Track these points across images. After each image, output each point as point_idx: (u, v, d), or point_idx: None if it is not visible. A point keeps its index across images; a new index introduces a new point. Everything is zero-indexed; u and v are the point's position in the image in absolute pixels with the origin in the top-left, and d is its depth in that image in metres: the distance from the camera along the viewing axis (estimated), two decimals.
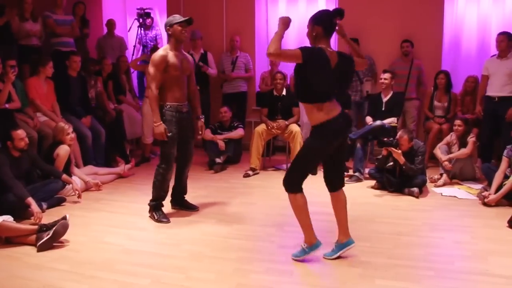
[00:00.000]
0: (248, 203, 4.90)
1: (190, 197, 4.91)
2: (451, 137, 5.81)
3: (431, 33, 6.96)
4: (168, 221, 4.28)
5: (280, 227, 4.15)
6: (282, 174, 6.03)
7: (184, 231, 4.06)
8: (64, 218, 3.71)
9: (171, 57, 4.18)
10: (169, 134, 4.18)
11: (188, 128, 4.39)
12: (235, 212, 4.59)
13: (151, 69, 4.15)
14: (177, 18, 4.23)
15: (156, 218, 4.31)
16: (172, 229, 4.10)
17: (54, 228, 3.60)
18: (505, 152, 4.94)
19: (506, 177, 4.82)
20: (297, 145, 5.99)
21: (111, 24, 7.63)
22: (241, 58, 7.44)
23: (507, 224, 4.06)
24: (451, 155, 5.60)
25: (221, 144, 6.40)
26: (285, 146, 6.60)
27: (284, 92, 6.43)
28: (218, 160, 6.24)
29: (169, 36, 4.30)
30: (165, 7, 8.12)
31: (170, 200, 4.69)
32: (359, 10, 7.12)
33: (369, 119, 6.03)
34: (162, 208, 4.43)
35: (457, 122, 5.71)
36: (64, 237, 3.71)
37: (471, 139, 5.62)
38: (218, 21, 7.79)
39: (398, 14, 7.02)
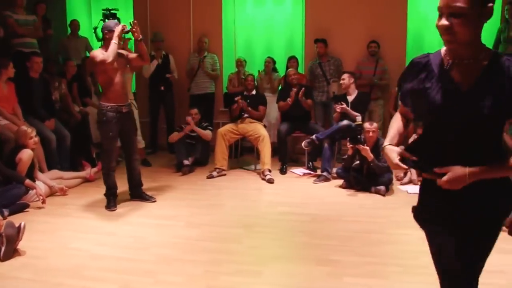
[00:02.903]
0: (217, 204, 4.88)
1: (158, 199, 4.91)
2: (415, 136, 5.94)
3: (395, 35, 7.09)
4: (114, 209, 4.63)
5: (249, 228, 4.14)
6: (250, 175, 6.14)
7: (152, 234, 4.01)
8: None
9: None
10: (109, 134, 4.53)
11: (128, 125, 4.72)
12: (204, 214, 4.56)
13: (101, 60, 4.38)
14: (117, 24, 4.56)
15: (105, 205, 4.69)
16: (140, 233, 4.04)
17: (3, 234, 3.46)
18: None
19: None
20: (265, 149, 5.99)
21: (74, 25, 7.49)
22: (208, 58, 7.42)
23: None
24: None
25: (189, 128, 6.37)
26: (253, 147, 6.61)
27: (253, 92, 6.46)
28: (186, 162, 6.20)
29: (105, 39, 4.58)
30: (131, 8, 8.01)
31: (129, 193, 4.99)
32: (326, 12, 7.21)
33: (338, 107, 6.09)
34: (113, 198, 4.75)
35: (419, 131, 5.84)
36: (27, 244, 3.60)
37: None
38: (185, 22, 7.74)
39: (364, 16, 7.12)
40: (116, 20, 4.80)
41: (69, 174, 5.62)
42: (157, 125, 7.49)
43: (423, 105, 1.76)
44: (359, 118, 5.36)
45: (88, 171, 5.80)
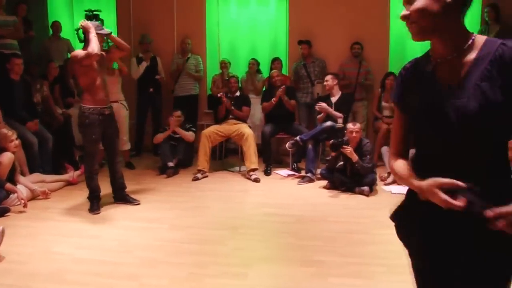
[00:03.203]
0: (201, 206, 4.86)
1: (142, 202, 4.88)
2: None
3: (378, 36, 7.14)
4: (97, 212, 4.58)
5: (234, 229, 4.14)
6: (234, 177, 6.13)
7: (136, 237, 3.98)
8: None
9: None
10: (92, 137, 4.50)
11: (111, 127, 4.68)
12: (188, 216, 4.54)
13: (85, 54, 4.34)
14: (99, 28, 4.60)
15: (88, 208, 4.63)
16: (123, 236, 4.00)
17: None
18: None
19: None
20: (250, 147, 6.00)
21: (56, 26, 7.41)
22: (192, 59, 7.40)
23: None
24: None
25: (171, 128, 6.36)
26: (238, 149, 6.60)
27: (237, 93, 6.45)
28: (170, 164, 6.16)
29: (86, 41, 4.50)
30: (114, 9, 7.95)
31: (113, 196, 4.93)
32: (310, 13, 7.24)
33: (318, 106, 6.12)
34: (97, 201, 4.69)
35: None
36: (8, 249, 3.55)
37: None
38: (169, 23, 7.70)
39: (347, 18, 7.17)
40: (98, 22, 4.73)
41: (52, 177, 5.55)
42: (144, 127, 7.44)
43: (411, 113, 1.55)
44: (340, 121, 5.39)
45: (71, 174, 5.74)
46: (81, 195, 5.11)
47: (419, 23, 1.41)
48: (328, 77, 6.18)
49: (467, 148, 1.39)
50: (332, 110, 5.91)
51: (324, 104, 5.97)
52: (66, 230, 4.15)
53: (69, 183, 5.65)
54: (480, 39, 1.43)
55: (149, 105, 7.36)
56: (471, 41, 1.42)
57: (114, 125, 4.75)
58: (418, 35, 1.44)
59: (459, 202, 1.32)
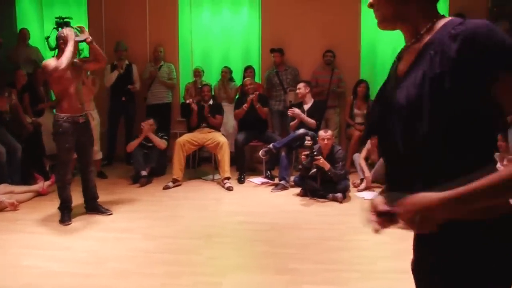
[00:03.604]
0: (175, 215, 4.82)
1: (114, 212, 4.82)
2: (369, 145, 6.08)
3: (349, 44, 7.25)
4: (68, 223, 4.48)
5: (208, 238, 4.12)
6: (208, 185, 6.11)
7: (108, 248, 3.91)
8: None
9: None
10: (66, 145, 4.42)
11: (85, 136, 4.62)
12: (162, 225, 4.50)
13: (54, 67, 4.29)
14: (74, 35, 4.52)
15: (59, 219, 4.53)
16: (95, 247, 3.93)
17: None
18: None
19: None
20: (224, 156, 5.99)
21: (24, 33, 7.27)
22: (165, 67, 7.36)
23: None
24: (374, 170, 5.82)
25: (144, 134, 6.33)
26: (211, 157, 6.59)
27: (211, 102, 6.44)
28: (143, 173, 6.10)
29: (60, 49, 4.50)
30: (86, 16, 7.85)
31: (84, 206, 4.84)
32: (282, 22, 7.30)
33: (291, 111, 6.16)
34: (68, 212, 4.60)
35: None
36: None
37: None
38: (142, 31, 7.65)
39: (319, 26, 7.25)
40: (71, 29, 4.67)
41: (21, 188, 5.41)
42: (116, 136, 7.35)
43: None
44: (308, 138, 5.41)
45: (41, 185, 5.61)
46: (51, 206, 5.00)
47: (381, 10, 1.34)
48: (301, 85, 6.23)
49: (410, 147, 1.25)
50: (304, 116, 5.96)
51: (296, 110, 6.03)
52: (36, 243, 4.06)
53: (39, 194, 5.52)
54: (441, 22, 1.27)
55: (121, 113, 7.29)
56: (430, 25, 1.29)
57: (88, 133, 4.69)
58: (382, 23, 1.36)
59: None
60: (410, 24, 1.32)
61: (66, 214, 4.57)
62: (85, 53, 5.60)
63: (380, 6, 1.33)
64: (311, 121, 5.98)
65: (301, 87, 6.19)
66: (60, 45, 4.46)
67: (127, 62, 7.22)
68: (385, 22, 1.35)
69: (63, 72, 4.30)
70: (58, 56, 4.44)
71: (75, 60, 4.55)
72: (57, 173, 4.69)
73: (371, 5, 1.36)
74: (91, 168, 4.83)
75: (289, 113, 6.10)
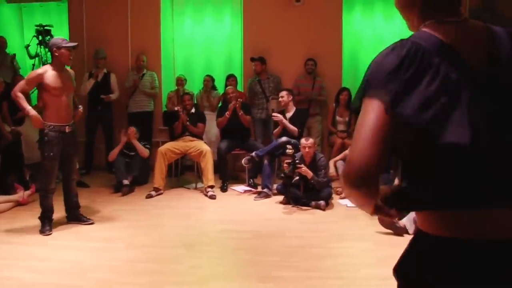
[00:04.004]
0: (157, 224, 4.79)
1: (96, 221, 4.77)
2: (346, 153, 6.15)
3: (331, 53, 7.31)
4: (49, 233, 4.40)
5: (190, 247, 4.09)
6: (191, 194, 6.08)
7: (90, 258, 3.86)
8: None
9: (50, 76, 4.35)
10: (50, 154, 4.37)
11: (70, 146, 4.56)
12: (144, 234, 4.46)
13: (23, 81, 4.43)
14: (66, 41, 4.46)
15: (39, 229, 4.46)
16: (77, 257, 3.88)
17: None
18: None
19: None
20: (207, 164, 5.97)
21: (1, 42, 7.20)
22: (147, 76, 7.33)
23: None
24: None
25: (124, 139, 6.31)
26: (194, 166, 6.56)
27: (193, 110, 6.42)
28: (125, 181, 6.04)
29: (54, 57, 4.44)
30: (66, 24, 7.80)
31: (66, 215, 4.79)
32: (264, 30, 7.34)
33: (275, 116, 6.17)
34: (49, 222, 4.52)
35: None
36: None
37: None
38: (123, 39, 7.62)
39: (301, 35, 7.31)
40: (62, 37, 4.59)
41: (0, 198, 5.33)
42: (94, 144, 7.28)
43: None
44: (289, 147, 5.44)
45: (21, 194, 5.53)
46: (32, 215, 4.92)
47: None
48: (283, 93, 6.26)
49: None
50: (286, 122, 5.98)
51: (279, 115, 6.04)
52: (16, 253, 3.98)
53: (19, 204, 5.44)
54: (416, 33, 1.23)
55: (98, 122, 7.22)
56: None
57: (74, 143, 4.65)
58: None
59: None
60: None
61: (47, 224, 4.50)
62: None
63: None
64: (293, 128, 6.01)
65: (284, 95, 6.22)
66: (53, 53, 4.40)
67: (105, 70, 7.16)
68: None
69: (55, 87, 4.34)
70: (52, 63, 4.44)
71: (70, 71, 4.60)
72: (40, 182, 4.61)
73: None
74: (73, 177, 4.77)
75: (273, 118, 6.11)
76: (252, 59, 7.09)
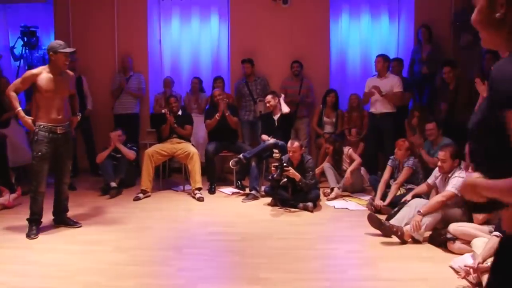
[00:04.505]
0: (145, 227, 4.77)
1: (83, 224, 4.75)
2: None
3: (319, 55, 7.36)
4: (35, 237, 4.35)
5: (178, 250, 4.09)
6: (179, 196, 6.07)
7: (77, 261, 3.83)
8: None
9: (44, 78, 4.33)
10: (38, 154, 4.33)
11: (63, 148, 4.52)
12: (132, 237, 4.44)
13: (18, 79, 4.44)
14: (63, 46, 4.39)
15: (26, 232, 4.40)
16: (63, 261, 3.85)
17: None
18: (389, 161, 5.38)
19: (389, 187, 5.23)
20: (195, 166, 5.97)
21: None
22: (134, 78, 7.30)
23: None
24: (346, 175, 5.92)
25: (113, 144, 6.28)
26: (181, 168, 6.55)
27: (180, 112, 6.41)
28: (113, 184, 6.01)
29: (50, 60, 4.41)
30: (52, 26, 7.74)
31: (53, 218, 4.75)
32: (251, 33, 7.36)
33: (265, 137, 6.19)
34: (36, 225, 4.47)
35: (327, 145, 6.21)
36: None
37: (351, 152, 6.13)
38: (110, 40, 7.58)
39: (288, 37, 7.35)
40: (59, 41, 4.52)
41: None
42: (76, 149, 7.20)
43: None
44: (276, 151, 5.42)
45: (7, 197, 5.47)
46: (17, 219, 4.88)
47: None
48: (268, 97, 6.26)
49: None
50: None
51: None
52: (2, 257, 3.93)
53: (5, 207, 5.38)
54: None
55: (76, 127, 7.11)
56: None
57: (67, 145, 4.57)
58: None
59: None
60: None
61: (34, 227, 4.45)
62: None
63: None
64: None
65: (270, 99, 6.21)
66: (49, 57, 4.37)
67: (77, 74, 6.97)
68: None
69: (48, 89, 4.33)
70: (49, 66, 4.41)
71: (68, 71, 4.56)
72: (30, 183, 4.53)
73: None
74: (65, 180, 4.73)
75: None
76: (243, 61, 7.10)
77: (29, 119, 4.32)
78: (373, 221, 4.30)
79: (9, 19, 8.14)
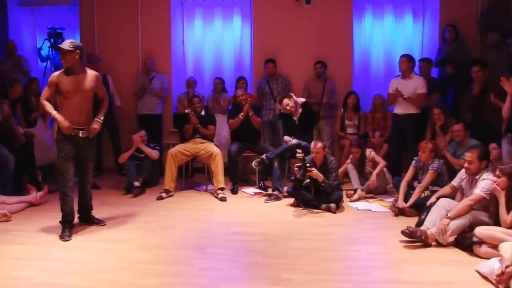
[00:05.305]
0: (167, 226, 4.80)
1: (107, 222, 4.81)
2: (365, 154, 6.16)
3: (342, 55, 7.31)
4: (68, 239, 4.34)
5: (200, 249, 4.10)
6: (201, 196, 6.10)
7: (101, 259, 3.89)
8: None
9: (63, 80, 4.36)
10: (62, 154, 4.39)
11: (84, 151, 4.55)
12: (154, 236, 4.48)
13: (46, 87, 4.46)
14: (61, 43, 4.45)
15: (60, 234, 4.42)
16: (87, 258, 3.90)
17: None
18: (413, 162, 5.31)
19: (412, 188, 5.16)
20: (218, 166, 5.99)
21: (10, 46, 7.27)
22: (157, 79, 7.36)
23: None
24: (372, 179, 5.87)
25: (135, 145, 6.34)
26: (204, 168, 6.58)
27: (202, 113, 6.44)
28: (136, 183, 6.08)
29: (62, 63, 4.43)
30: (77, 27, 7.86)
31: (78, 216, 4.79)
32: (274, 33, 7.35)
33: (287, 138, 6.16)
34: (69, 227, 4.49)
35: (354, 150, 6.03)
36: None
37: (374, 155, 6.06)
38: (134, 42, 7.66)
39: (311, 37, 7.32)
40: (72, 39, 4.58)
41: (13, 198, 5.38)
42: (101, 147, 7.32)
43: None
44: (299, 151, 5.41)
45: (34, 195, 5.58)
46: (44, 216, 4.98)
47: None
48: (285, 101, 6.10)
49: None
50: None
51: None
52: (28, 254, 4.02)
53: (32, 205, 5.50)
54: None
55: (104, 126, 7.22)
56: None
57: (89, 148, 4.58)
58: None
59: None
60: None
61: (67, 229, 4.46)
62: None
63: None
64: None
65: (287, 102, 6.09)
66: (60, 59, 4.41)
67: (102, 73, 7.15)
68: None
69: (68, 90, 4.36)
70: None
71: (92, 72, 4.54)
72: (58, 184, 4.55)
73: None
74: (89, 179, 4.78)
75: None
76: (267, 61, 7.09)
77: (65, 121, 4.32)
78: (405, 234, 4.17)
79: (37, 21, 8.30)
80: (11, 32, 7.83)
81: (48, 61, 7.68)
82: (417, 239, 4.07)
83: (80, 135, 4.45)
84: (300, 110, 6.17)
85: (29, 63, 7.52)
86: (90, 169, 4.74)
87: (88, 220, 4.81)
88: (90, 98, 4.55)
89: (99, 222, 4.80)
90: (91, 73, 4.52)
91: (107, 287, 3.34)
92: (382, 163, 5.94)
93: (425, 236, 4.03)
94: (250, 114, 6.27)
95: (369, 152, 6.07)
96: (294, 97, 6.23)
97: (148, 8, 7.61)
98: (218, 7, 7.79)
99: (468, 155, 4.25)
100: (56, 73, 4.45)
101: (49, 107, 4.37)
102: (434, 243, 4.06)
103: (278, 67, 7.20)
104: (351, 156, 6.08)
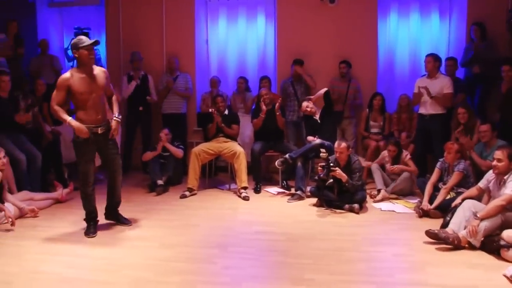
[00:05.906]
0: (191, 225, 4.83)
1: (131, 220, 4.86)
2: (383, 155, 6.07)
3: (367, 55, 7.24)
4: (92, 236, 4.42)
5: (223, 248, 4.11)
6: (224, 195, 6.12)
7: (125, 256, 3.94)
8: None
9: (76, 80, 4.25)
10: (82, 156, 4.37)
11: (107, 146, 4.50)
12: (178, 234, 4.51)
13: (55, 91, 4.30)
14: (83, 40, 4.28)
15: (84, 231, 4.48)
16: (112, 255, 3.96)
17: None
18: (438, 164, 5.22)
19: (437, 189, 5.08)
20: (241, 165, 6.00)
21: (44, 44, 7.42)
22: (181, 78, 7.41)
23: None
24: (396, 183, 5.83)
25: (161, 144, 6.39)
26: (227, 166, 6.60)
27: (226, 112, 6.46)
28: (159, 182, 6.14)
29: (76, 59, 4.36)
30: (103, 27, 7.98)
31: (104, 213, 4.80)
32: (298, 32, 7.33)
33: (311, 138, 6.15)
34: (94, 224, 4.56)
35: (391, 148, 5.93)
36: None
37: (408, 159, 5.88)
38: (158, 41, 7.74)
39: (335, 36, 7.27)
40: (82, 37, 4.42)
41: (40, 195, 5.49)
42: (132, 145, 7.43)
43: None
44: (323, 150, 5.38)
45: (60, 192, 5.68)
46: (70, 213, 5.07)
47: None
48: (304, 104, 6.20)
49: None
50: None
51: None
52: (54, 249, 4.10)
53: (58, 201, 5.60)
54: None
55: (138, 123, 7.37)
56: None
57: (110, 143, 4.50)
58: None
59: None
60: None
61: (91, 226, 4.52)
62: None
63: None
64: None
65: (307, 104, 6.16)
66: (74, 55, 4.32)
67: (142, 72, 7.29)
68: None
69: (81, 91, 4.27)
70: (78, 65, 4.35)
71: (99, 69, 4.47)
72: (79, 184, 4.58)
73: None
74: (118, 177, 4.67)
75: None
76: (295, 62, 7.06)
77: (82, 127, 4.24)
78: (430, 235, 4.13)
79: (65, 22, 8.45)
80: (40, 32, 7.98)
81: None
82: (450, 245, 3.99)
83: (99, 132, 4.39)
84: (320, 96, 6.14)
85: (60, 62, 7.68)
86: (118, 164, 4.63)
87: (115, 218, 4.82)
88: (104, 94, 4.51)
89: (125, 222, 4.80)
90: (99, 70, 4.47)
91: (131, 284, 3.37)
92: (414, 168, 5.85)
93: (458, 241, 3.95)
94: (278, 114, 6.26)
95: (405, 155, 5.94)
96: (311, 98, 6.23)
97: (172, 8, 7.67)
98: (242, 7, 7.80)
99: (498, 153, 4.17)
100: (65, 75, 4.31)
101: (62, 113, 4.25)
102: (466, 245, 3.98)
103: (304, 66, 7.15)
104: (382, 154, 6.00)
